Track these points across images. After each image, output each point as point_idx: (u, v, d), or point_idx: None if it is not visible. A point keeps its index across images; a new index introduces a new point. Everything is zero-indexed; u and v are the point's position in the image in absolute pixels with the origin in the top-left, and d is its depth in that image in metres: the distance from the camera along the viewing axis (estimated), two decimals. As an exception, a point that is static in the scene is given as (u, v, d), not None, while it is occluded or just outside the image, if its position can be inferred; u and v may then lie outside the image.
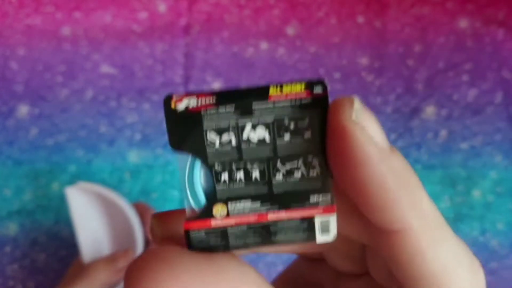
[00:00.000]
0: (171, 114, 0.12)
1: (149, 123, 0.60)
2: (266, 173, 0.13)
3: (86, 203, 0.48)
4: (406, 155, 0.59)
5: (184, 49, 0.62)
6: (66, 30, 0.63)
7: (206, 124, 0.12)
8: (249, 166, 0.13)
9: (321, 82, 0.13)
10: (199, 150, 0.13)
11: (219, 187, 0.13)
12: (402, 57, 0.62)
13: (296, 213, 0.13)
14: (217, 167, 0.13)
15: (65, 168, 0.59)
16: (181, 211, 0.14)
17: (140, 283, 0.12)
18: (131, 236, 0.47)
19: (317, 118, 0.13)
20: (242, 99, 0.12)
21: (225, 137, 0.13)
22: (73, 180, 0.57)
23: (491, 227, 0.57)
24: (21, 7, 0.63)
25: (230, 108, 0.12)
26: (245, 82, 0.61)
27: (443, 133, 0.60)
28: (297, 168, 0.13)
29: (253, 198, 0.13)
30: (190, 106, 0.12)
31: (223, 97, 0.12)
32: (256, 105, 0.12)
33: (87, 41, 0.62)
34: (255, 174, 0.13)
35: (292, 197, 0.13)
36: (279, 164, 0.13)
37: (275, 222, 0.13)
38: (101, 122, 0.60)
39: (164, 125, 0.61)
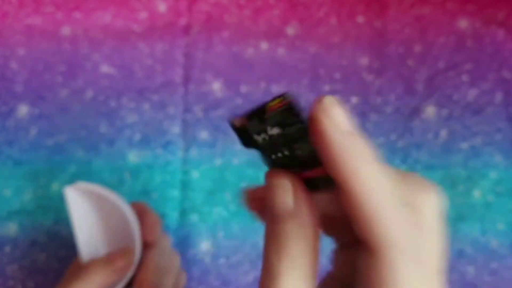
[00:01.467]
0: (235, 129, 0.21)
1: (149, 123, 0.60)
2: (290, 151, 0.21)
3: (85, 203, 0.48)
4: (406, 155, 0.59)
5: (184, 49, 0.62)
6: (66, 30, 0.63)
7: (250, 131, 0.21)
8: (281, 148, 0.21)
9: (284, 95, 0.19)
10: (255, 145, 0.21)
11: (270, 159, 0.22)
12: (402, 57, 0.61)
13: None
14: (266, 151, 0.21)
15: (65, 168, 0.59)
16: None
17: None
18: (129, 236, 0.47)
19: (291, 116, 0.20)
20: (258, 115, 0.20)
21: (262, 135, 0.21)
22: (73, 180, 0.57)
23: (492, 227, 0.57)
24: (21, 7, 0.63)
25: (256, 121, 0.20)
26: (245, 82, 0.61)
27: (443, 133, 0.60)
28: (302, 147, 0.21)
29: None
30: (240, 124, 0.21)
31: (250, 116, 0.20)
32: (266, 116, 0.20)
33: (87, 41, 0.62)
34: (286, 151, 0.21)
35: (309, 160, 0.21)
36: (294, 145, 0.21)
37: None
38: (101, 122, 0.60)
39: (163, 125, 0.61)
